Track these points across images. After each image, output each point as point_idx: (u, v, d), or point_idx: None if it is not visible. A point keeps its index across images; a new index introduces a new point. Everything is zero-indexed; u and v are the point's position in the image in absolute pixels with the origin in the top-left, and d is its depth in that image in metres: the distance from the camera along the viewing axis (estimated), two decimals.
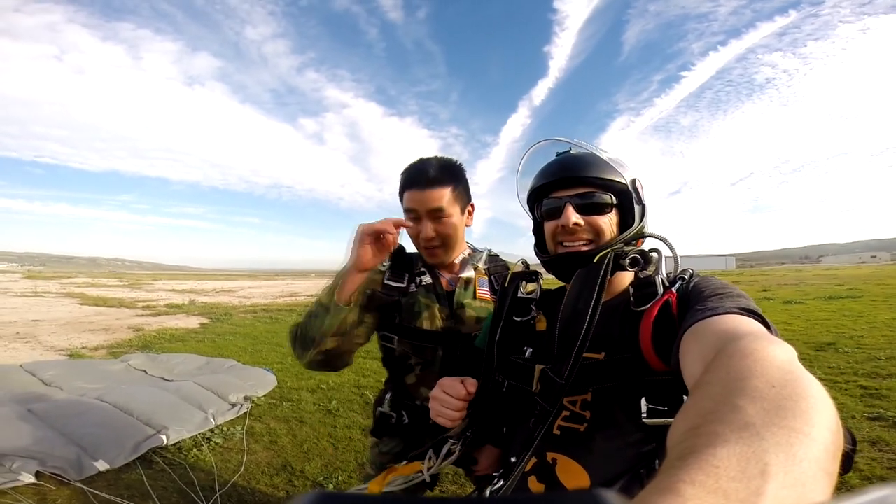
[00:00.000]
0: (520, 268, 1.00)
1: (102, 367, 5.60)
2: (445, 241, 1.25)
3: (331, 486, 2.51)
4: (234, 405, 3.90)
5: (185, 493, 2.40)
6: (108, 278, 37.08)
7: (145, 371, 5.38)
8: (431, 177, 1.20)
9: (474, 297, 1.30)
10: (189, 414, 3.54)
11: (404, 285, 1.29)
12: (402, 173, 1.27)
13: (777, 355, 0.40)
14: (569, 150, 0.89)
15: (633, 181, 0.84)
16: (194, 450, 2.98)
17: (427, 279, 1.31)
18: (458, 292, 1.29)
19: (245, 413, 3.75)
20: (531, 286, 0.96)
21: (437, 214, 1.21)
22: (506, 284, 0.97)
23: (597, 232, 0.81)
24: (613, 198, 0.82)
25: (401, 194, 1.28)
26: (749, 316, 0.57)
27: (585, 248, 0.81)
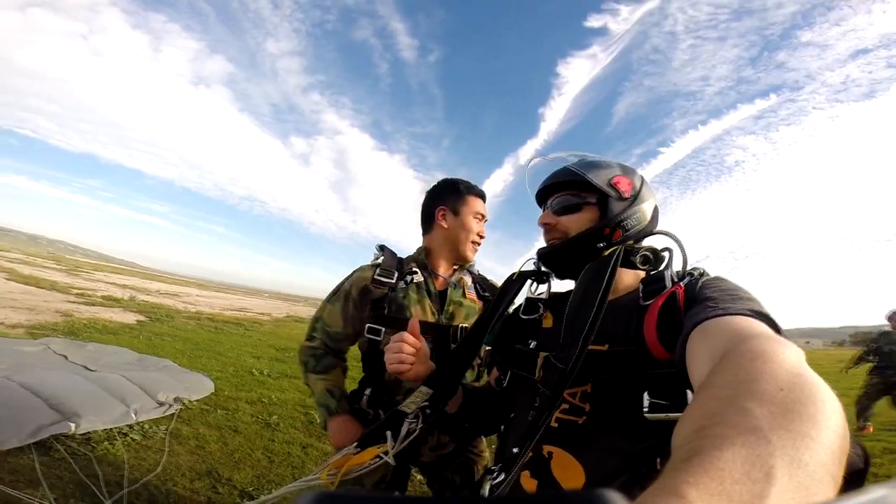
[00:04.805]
0: (530, 266, 0.98)
1: (16, 346, 5.01)
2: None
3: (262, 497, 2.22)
4: (161, 404, 3.51)
5: (85, 485, 2.06)
6: (45, 259, 34.15)
7: (66, 357, 4.83)
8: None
9: (464, 296, 1.42)
10: (108, 405, 3.15)
11: (392, 281, 1.37)
12: (465, 185, 1.48)
13: (786, 357, 0.40)
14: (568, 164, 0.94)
15: (610, 180, 0.86)
16: (105, 443, 2.62)
17: (419, 278, 1.39)
18: (451, 291, 1.40)
19: (173, 414, 3.36)
20: (541, 287, 0.98)
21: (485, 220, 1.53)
22: (514, 278, 0.98)
23: (564, 230, 0.88)
24: (587, 198, 0.86)
25: (462, 197, 1.46)
26: (760, 320, 0.55)
27: (557, 244, 0.89)
